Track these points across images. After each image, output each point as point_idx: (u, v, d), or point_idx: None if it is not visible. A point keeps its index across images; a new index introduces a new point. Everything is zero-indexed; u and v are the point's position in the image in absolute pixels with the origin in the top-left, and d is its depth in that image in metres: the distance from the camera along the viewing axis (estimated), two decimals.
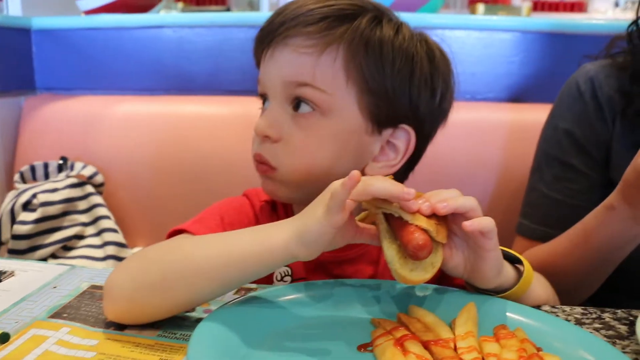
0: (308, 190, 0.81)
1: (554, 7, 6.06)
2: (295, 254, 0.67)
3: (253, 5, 4.68)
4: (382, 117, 0.86)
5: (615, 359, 0.61)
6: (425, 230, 0.66)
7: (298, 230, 0.67)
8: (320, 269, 0.90)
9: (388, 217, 0.70)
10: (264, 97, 0.90)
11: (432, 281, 0.70)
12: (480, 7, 3.92)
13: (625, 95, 1.05)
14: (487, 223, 0.68)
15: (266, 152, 0.86)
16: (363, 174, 0.89)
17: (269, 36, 0.87)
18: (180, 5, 3.52)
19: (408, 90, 0.85)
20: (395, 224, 0.68)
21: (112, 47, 1.73)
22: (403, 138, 0.88)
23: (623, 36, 1.12)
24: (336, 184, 0.65)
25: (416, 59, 0.86)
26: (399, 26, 0.87)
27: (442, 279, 0.93)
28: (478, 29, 1.58)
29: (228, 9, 4.70)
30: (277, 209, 0.96)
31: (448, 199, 0.68)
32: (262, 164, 0.87)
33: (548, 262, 1.02)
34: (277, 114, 0.86)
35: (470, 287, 0.78)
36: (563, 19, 1.70)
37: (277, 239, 0.68)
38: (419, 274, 0.67)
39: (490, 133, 1.48)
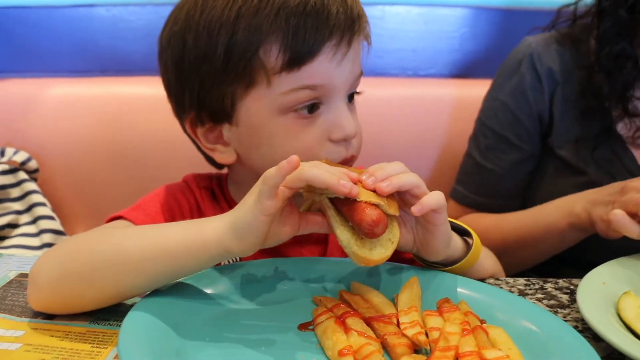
0: None
1: None
2: (229, 247, 0.63)
3: None
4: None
5: (556, 326, 0.61)
6: (376, 205, 0.63)
7: (230, 222, 0.64)
8: (269, 251, 0.87)
9: (334, 201, 0.66)
10: (315, 103, 0.79)
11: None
12: None
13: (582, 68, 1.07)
14: (436, 200, 0.66)
15: (355, 150, 0.83)
16: None
17: (349, 32, 0.78)
18: None
19: None
20: (344, 206, 0.64)
21: (42, 26, 1.64)
22: None
23: (569, 5, 1.13)
24: (270, 170, 0.62)
25: None
26: None
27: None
28: (418, 4, 1.56)
29: None
30: (216, 195, 0.93)
31: (391, 177, 0.66)
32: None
33: (492, 236, 1.05)
34: (348, 111, 0.81)
35: (419, 261, 0.77)
36: None
37: (210, 232, 0.64)
38: (379, 252, 0.64)
39: (433, 109, 1.47)
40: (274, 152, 0.81)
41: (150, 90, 1.56)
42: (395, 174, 0.66)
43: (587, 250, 0.97)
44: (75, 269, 0.67)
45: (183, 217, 0.88)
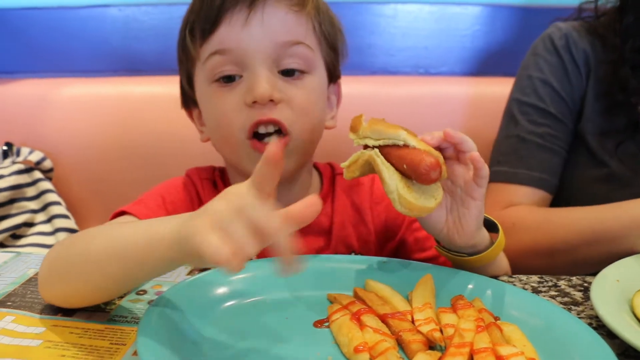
0: (308, 158, 0.90)
1: None
2: (174, 257, 0.56)
3: None
4: (333, 73, 0.94)
5: (570, 323, 0.62)
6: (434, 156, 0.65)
7: (179, 231, 0.54)
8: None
9: (385, 151, 0.68)
10: (231, 75, 0.84)
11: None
12: None
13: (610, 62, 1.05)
14: (486, 168, 0.70)
15: (276, 114, 0.83)
16: (326, 128, 0.94)
17: None
18: None
19: (341, 46, 0.95)
20: (397, 154, 0.66)
21: (55, 27, 1.66)
22: (334, 92, 0.98)
23: (589, 2, 1.14)
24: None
25: (338, 22, 0.95)
26: None
27: (400, 253, 0.94)
28: (430, 2, 1.56)
29: None
30: (217, 186, 0.96)
31: (457, 131, 0.70)
32: (268, 137, 0.83)
33: (549, 230, 1.00)
34: (272, 77, 0.83)
35: (442, 251, 0.78)
36: None
37: (163, 231, 0.57)
38: (423, 202, 0.66)
39: (445, 107, 1.47)
40: (208, 123, 0.89)
41: (162, 90, 1.58)
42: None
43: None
44: (56, 270, 0.69)
45: (185, 210, 0.90)
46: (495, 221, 0.79)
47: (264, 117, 0.82)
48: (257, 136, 0.84)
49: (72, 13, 1.66)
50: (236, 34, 0.82)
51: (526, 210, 1.05)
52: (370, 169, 0.71)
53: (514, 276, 0.81)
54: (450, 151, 0.72)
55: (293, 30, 0.84)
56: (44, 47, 1.70)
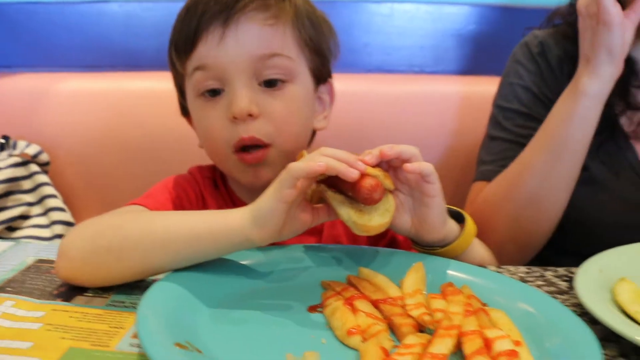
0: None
1: None
2: (249, 235, 0.68)
3: None
4: (320, 75, 0.95)
5: (554, 309, 0.64)
6: (372, 176, 0.68)
7: (252, 210, 0.68)
8: None
9: (331, 181, 0.71)
10: (215, 89, 0.88)
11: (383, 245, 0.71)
12: None
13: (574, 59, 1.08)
14: (427, 166, 0.72)
15: (256, 131, 0.86)
16: (313, 130, 0.97)
17: (224, 14, 0.85)
18: None
19: (328, 48, 0.97)
20: (342, 183, 0.69)
21: (54, 22, 1.67)
22: (326, 91, 0.99)
23: (561, 9, 1.16)
24: (298, 163, 0.66)
25: (325, 20, 0.97)
26: None
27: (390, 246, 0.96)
28: (426, 2, 1.59)
29: None
30: (218, 185, 0.99)
31: (393, 145, 0.71)
32: (254, 149, 0.86)
33: (514, 172, 1.04)
34: (250, 92, 0.86)
35: (417, 248, 0.80)
36: None
37: (234, 220, 0.69)
38: (378, 220, 0.69)
39: (441, 105, 1.49)
40: (198, 134, 0.94)
41: (160, 85, 1.58)
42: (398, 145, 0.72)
43: (586, 243, 0.99)
44: (105, 244, 0.72)
45: (190, 206, 0.92)
46: (461, 211, 0.82)
47: (246, 136, 0.85)
48: (243, 148, 0.87)
49: (71, 8, 1.67)
50: (213, 51, 0.85)
51: (488, 185, 1.10)
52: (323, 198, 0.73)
53: (502, 267, 0.83)
54: (397, 161, 0.73)
55: (269, 43, 0.86)
56: (43, 41, 1.71)
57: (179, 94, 0.99)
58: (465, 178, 1.27)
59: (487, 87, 1.28)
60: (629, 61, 1.04)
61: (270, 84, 0.87)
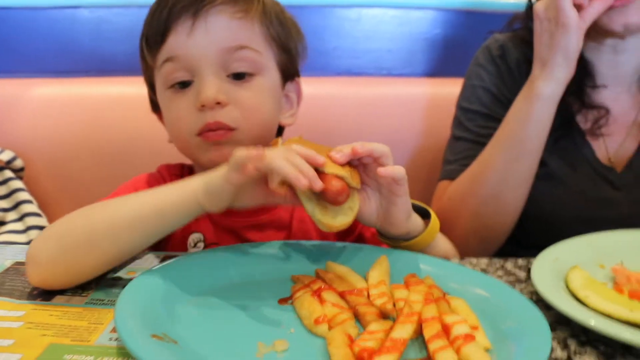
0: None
1: None
2: (202, 202, 0.73)
3: None
4: (288, 72, 0.98)
5: (509, 295, 0.69)
6: (340, 177, 0.71)
7: (205, 181, 0.74)
8: (231, 234, 0.95)
9: None
10: (184, 82, 0.90)
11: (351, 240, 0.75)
12: None
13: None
14: (399, 171, 0.76)
15: (222, 117, 0.88)
16: (280, 128, 1.00)
17: (193, 7, 0.88)
18: None
19: (296, 47, 0.99)
20: None
21: (26, 27, 1.68)
22: (294, 90, 1.02)
23: (520, 14, 1.22)
24: (242, 149, 0.70)
25: (294, 23, 1.01)
26: None
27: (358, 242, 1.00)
28: (393, 7, 1.63)
29: None
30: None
31: (365, 143, 0.75)
32: (219, 130, 0.88)
33: (475, 172, 1.09)
34: (219, 82, 0.88)
35: (382, 240, 0.84)
36: None
37: (189, 190, 0.74)
38: (341, 219, 0.73)
39: (408, 107, 1.53)
40: (167, 126, 0.96)
41: (132, 90, 1.60)
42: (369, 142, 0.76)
43: (546, 237, 1.03)
44: (73, 239, 0.74)
45: None
46: (426, 207, 0.86)
47: (211, 121, 0.88)
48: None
49: (42, 13, 1.68)
50: (183, 42, 0.88)
51: (452, 183, 1.15)
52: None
53: (464, 259, 0.88)
54: (368, 158, 0.77)
55: (237, 35, 0.89)
56: (14, 47, 1.71)
57: (149, 88, 1.02)
58: (433, 177, 1.31)
59: (453, 88, 1.32)
60: (583, 63, 1.09)
61: (238, 76, 0.90)
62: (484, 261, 0.87)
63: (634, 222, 0.97)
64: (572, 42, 0.99)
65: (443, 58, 1.66)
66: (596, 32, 1.05)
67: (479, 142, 1.13)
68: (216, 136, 0.88)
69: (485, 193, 1.06)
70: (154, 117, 1.08)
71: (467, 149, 1.16)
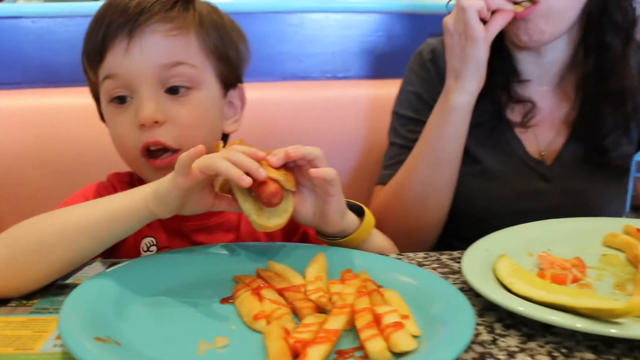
0: None
1: None
2: (152, 209, 0.76)
3: None
4: (228, 81, 1.00)
5: (438, 283, 0.74)
6: (275, 180, 0.75)
7: (154, 190, 0.76)
8: (182, 237, 0.97)
9: None
10: (123, 96, 0.92)
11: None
12: None
13: None
14: (330, 172, 0.79)
15: (161, 136, 0.91)
16: (223, 134, 1.02)
17: (127, 27, 0.90)
18: None
19: (236, 54, 1.01)
20: None
21: None
22: (237, 96, 1.04)
23: None
24: (184, 152, 0.72)
25: (234, 27, 1.03)
26: (207, 3, 1.01)
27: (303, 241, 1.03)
28: (335, 11, 1.67)
29: None
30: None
31: (299, 146, 0.79)
32: (164, 154, 0.91)
33: (401, 178, 1.14)
34: (156, 99, 0.91)
35: (322, 239, 0.88)
36: (417, 1, 1.83)
37: (139, 197, 0.77)
38: (275, 220, 0.77)
39: (352, 108, 1.57)
40: (112, 139, 0.98)
41: (78, 101, 1.59)
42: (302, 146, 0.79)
43: (482, 231, 1.08)
44: (24, 247, 0.76)
45: None
46: (362, 205, 0.91)
47: (150, 140, 0.90)
48: (151, 154, 0.92)
49: None
50: (120, 61, 0.91)
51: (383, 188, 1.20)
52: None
53: (402, 254, 0.92)
54: (302, 161, 0.80)
55: (173, 52, 0.91)
56: None
57: (95, 100, 1.03)
58: (377, 177, 1.35)
59: (395, 90, 1.36)
60: (510, 60, 1.15)
61: (175, 91, 0.92)
62: (420, 255, 0.91)
63: (563, 211, 1.02)
64: (481, 54, 1.04)
65: (385, 60, 1.70)
66: (512, 43, 1.11)
67: (409, 147, 1.17)
68: (162, 164, 0.91)
69: (411, 198, 1.11)
70: (101, 126, 1.09)
71: (399, 154, 1.21)
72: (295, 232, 1.02)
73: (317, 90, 1.61)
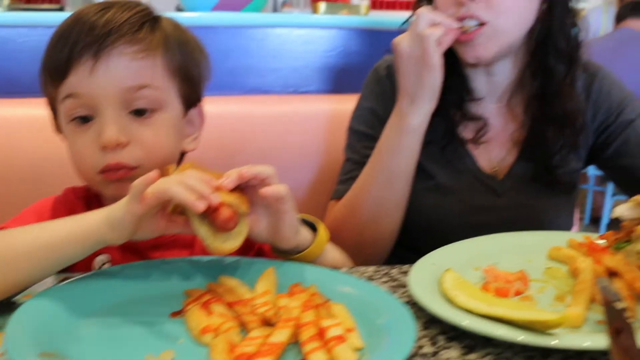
0: None
1: (391, 5, 6.43)
2: (104, 235, 0.75)
3: None
4: (190, 100, 1.01)
5: (382, 296, 0.76)
6: (229, 205, 0.76)
7: (107, 214, 0.76)
8: (137, 254, 0.97)
9: None
10: (85, 116, 0.92)
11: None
12: (322, 5, 3.99)
13: None
14: (282, 189, 0.81)
15: (123, 157, 0.91)
16: (182, 153, 1.02)
17: (94, 47, 0.90)
18: (5, 2, 3.31)
19: (198, 72, 1.02)
20: None
21: None
22: (196, 114, 1.04)
23: None
24: (138, 179, 0.73)
25: (197, 45, 1.03)
26: (172, 21, 1.01)
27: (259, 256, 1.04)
28: (297, 26, 1.70)
29: (61, 8, 4.50)
30: (91, 204, 1.02)
31: (251, 167, 0.80)
32: (121, 170, 0.91)
33: (354, 196, 1.16)
34: (120, 121, 0.91)
35: (276, 254, 0.89)
36: (368, 17, 1.87)
37: (91, 222, 0.76)
38: (230, 244, 0.78)
39: (312, 123, 1.59)
40: (70, 156, 0.96)
41: (38, 112, 1.57)
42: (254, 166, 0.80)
43: (436, 244, 1.10)
44: None
45: None
46: (316, 221, 0.92)
47: (112, 162, 0.90)
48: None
49: None
50: (84, 81, 0.90)
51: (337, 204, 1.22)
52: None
53: (353, 268, 0.94)
54: (255, 180, 0.81)
55: (138, 75, 0.92)
56: None
57: (52, 113, 1.02)
58: None
59: (354, 105, 1.39)
60: (462, 79, 1.18)
61: (139, 112, 0.92)
62: (371, 269, 0.93)
63: (515, 225, 1.05)
64: (438, 79, 1.07)
65: (346, 75, 1.73)
66: (462, 60, 1.14)
67: (363, 163, 1.18)
68: (117, 175, 0.91)
69: (363, 216, 1.13)
70: (59, 138, 1.09)
71: (354, 169, 1.22)
72: (250, 249, 1.03)
73: (279, 105, 1.62)
